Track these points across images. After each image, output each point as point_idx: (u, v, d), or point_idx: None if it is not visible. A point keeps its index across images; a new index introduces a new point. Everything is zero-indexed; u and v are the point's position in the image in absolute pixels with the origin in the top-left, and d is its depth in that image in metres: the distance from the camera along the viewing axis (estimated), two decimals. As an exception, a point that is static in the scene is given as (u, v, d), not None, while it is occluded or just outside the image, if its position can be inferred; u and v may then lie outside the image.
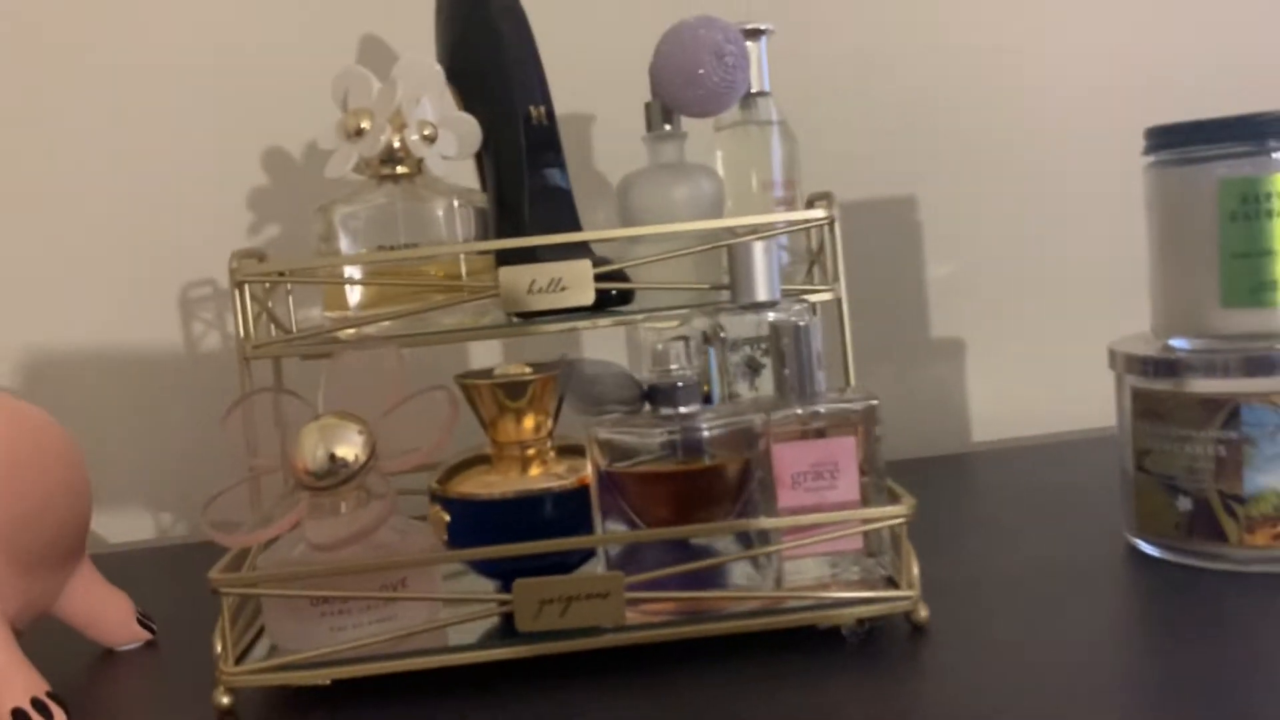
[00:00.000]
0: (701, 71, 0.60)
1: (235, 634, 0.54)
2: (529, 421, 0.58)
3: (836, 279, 0.60)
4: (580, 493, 0.56)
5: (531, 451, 0.58)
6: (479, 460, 0.59)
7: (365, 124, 0.60)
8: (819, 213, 0.60)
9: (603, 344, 0.85)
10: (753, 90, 0.68)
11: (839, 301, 0.60)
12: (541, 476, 0.58)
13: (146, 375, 0.85)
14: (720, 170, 0.69)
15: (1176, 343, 0.60)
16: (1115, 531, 0.63)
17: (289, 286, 0.66)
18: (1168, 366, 0.58)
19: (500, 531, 0.55)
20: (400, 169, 0.62)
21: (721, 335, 0.57)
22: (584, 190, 0.79)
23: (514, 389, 0.57)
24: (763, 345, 0.57)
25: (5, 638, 0.53)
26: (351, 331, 0.60)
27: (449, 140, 0.62)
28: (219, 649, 0.52)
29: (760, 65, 0.68)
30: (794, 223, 0.62)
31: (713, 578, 0.54)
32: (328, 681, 0.52)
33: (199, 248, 0.83)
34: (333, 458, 0.52)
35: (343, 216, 0.61)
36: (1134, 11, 0.91)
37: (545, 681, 0.52)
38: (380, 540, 0.54)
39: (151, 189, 0.84)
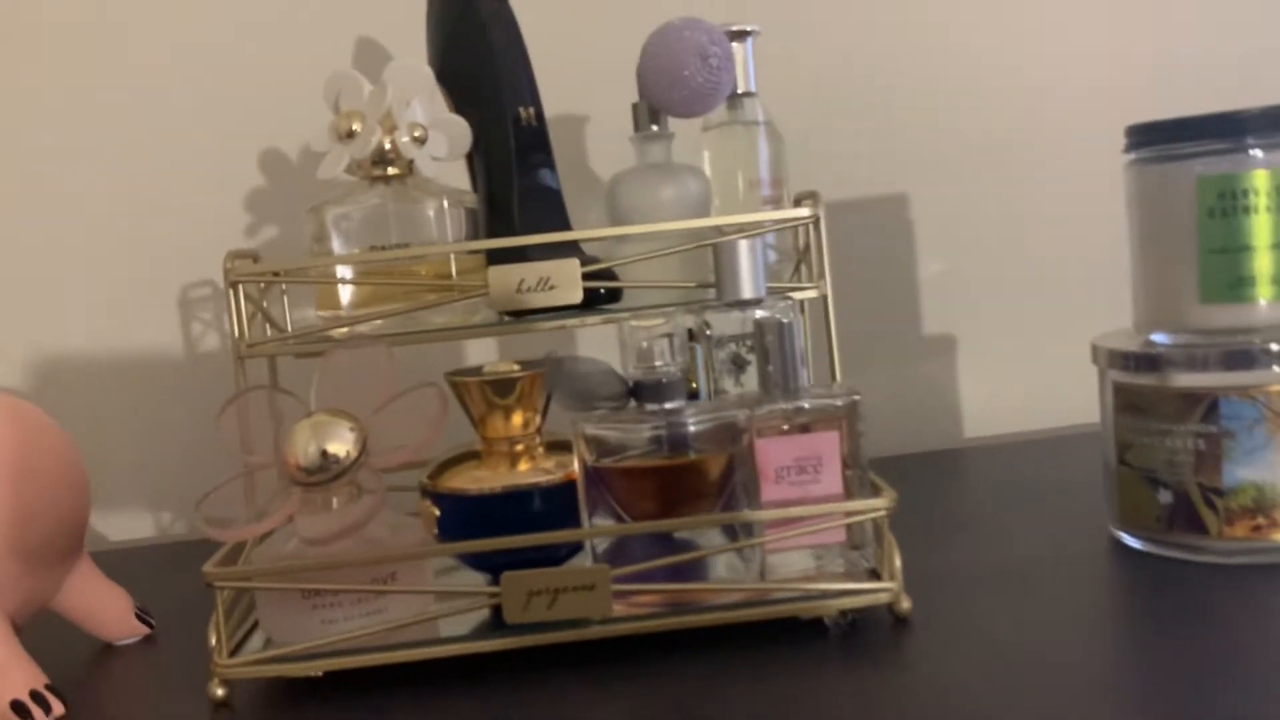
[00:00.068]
0: (686, 73, 0.61)
1: (230, 627, 0.55)
2: (517, 418, 0.59)
3: (822, 276, 0.61)
4: (568, 487, 0.57)
5: (520, 447, 0.59)
6: (469, 456, 0.60)
7: (356, 126, 0.61)
8: (804, 211, 0.61)
9: (595, 342, 0.85)
10: (739, 91, 0.69)
11: (825, 299, 0.61)
12: (530, 472, 0.58)
13: (146, 375, 0.86)
14: (707, 170, 0.70)
15: (1157, 338, 0.61)
16: (1100, 525, 0.64)
17: (283, 287, 0.67)
18: (1148, 361, 0.59)
19: (489, 526, 0.56)
20: (391, 170, 0.63)
21: (708, 333, 0.58)
22: (579, 190, 0.80)
23: (502, 386, 0.58)
24: (748, 342, 0.58)
25: (4, 632, 0.54)
26: (344, 330, 0.61)
27: (439, 142, 0.63)
28: (214, 641, 0.53)
29: (746, 66, 0.69)
30: (779, 221, 0.62)
31: (697, 571, 0.55)
32: (320, 673, 0.53)
33: (198, 249, 0.84)
34: (324, 454, 0.53)
35: (335, 217, 0.62)
36: (1123, 11, 0.91)
37: (533, 672, 0.52)
38: (371, 535, 0.55)
39: (152, 190, 0.86)
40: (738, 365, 0.58)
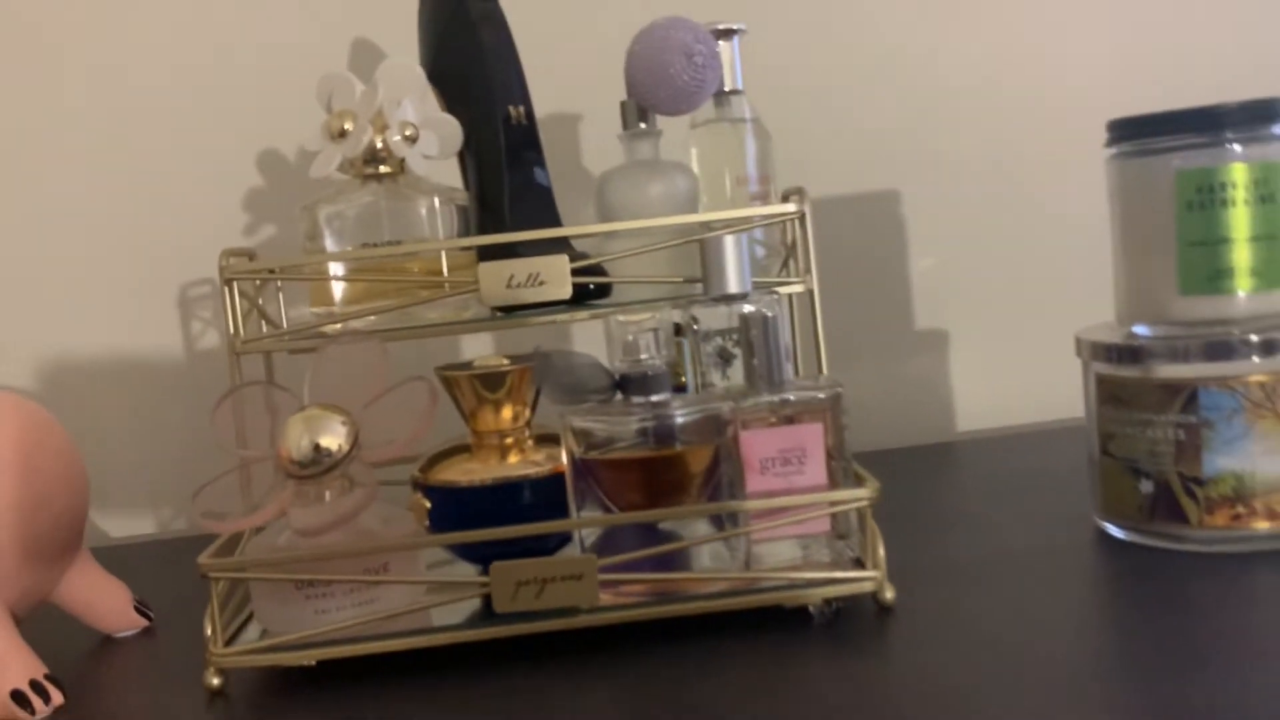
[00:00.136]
0: (671, 71, 0.62)
1: (225, 618, 0.56)
2: (507, 411, 0.60)
3: (809, 271, 0.62)
4: (557, 479, 0.58)
5: (510, 440, 0.60)
6: (460, 449, 0.61)
7: (349, 125, 0.62)
8: (789, 207, 0.62)
9: (588, 337, 0.86)
10: (726, 88, 0.70)
11: (811, 293, 0.62)
12: (519, 464, 0.59)
13: (146, 374, 0.87)
14: (695, 167, 0.71)
15: (1138, 330, 0.62)
16: (1084, 516, 0.65)
17: (279, 284, 0.68)
18: (1130, 353, 0.60)
19: (479, 517, 0.57)
20: (383, 169, 0.64)
21: (695, 327, 0.59)
22: (572, 187, 0.81)
23: (491, 380, 0.59)
24: (734, 336, 0.58)
25: (5, 623, 0.55)
26: (337, 326, 0.62)
27: (431, 140, 0.64)
28: (209, 631, 0.54)
29: (733, 64, 0.70)
30: (765, 217, 0.63)
31: (684, 560, 0.56)
32: (313, 662, 0.54)
33: (198, 248, 0.85)
34: (317, 447, 0.54)
35: (328, 215, 0.63)
36: (1108, 8, 0.92)
37: (523, 660, 0.53)
38: (364, 526, 0.56)
39: (151, 190, 0.86)
40: (724, 359, 0.59)
